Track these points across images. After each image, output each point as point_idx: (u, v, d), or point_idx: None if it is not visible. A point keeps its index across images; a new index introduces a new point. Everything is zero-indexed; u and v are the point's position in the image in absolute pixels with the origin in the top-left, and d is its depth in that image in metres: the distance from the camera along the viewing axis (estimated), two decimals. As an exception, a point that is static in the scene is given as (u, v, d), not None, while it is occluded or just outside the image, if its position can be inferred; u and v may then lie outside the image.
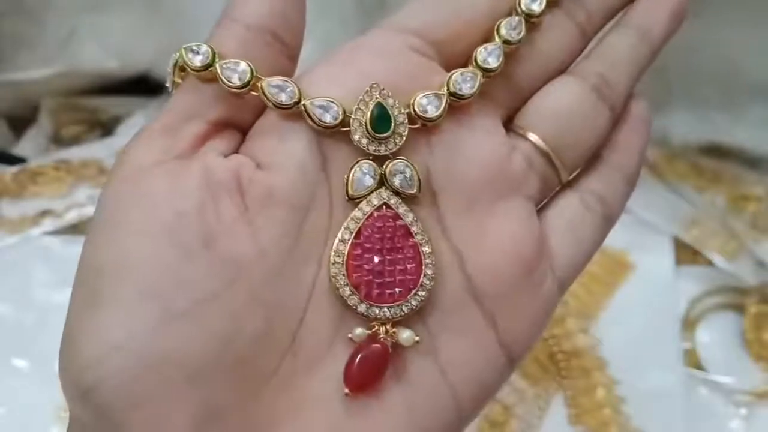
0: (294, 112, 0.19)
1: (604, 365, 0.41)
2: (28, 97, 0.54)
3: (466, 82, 0.20)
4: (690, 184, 0.48)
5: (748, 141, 0.48)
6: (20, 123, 0.54)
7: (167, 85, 0.21)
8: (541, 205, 0.23)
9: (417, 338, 0.19)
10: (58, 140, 0.53)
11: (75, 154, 0.50)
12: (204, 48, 0.19)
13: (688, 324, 0.43)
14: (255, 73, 0.19)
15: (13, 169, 0.48)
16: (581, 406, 0.40)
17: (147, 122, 0.20)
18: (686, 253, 0.45)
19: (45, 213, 0.46)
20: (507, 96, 0.22)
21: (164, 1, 0.51)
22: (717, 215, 0.47)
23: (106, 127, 0.54)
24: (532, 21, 0.22)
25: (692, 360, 0.42)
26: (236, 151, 0.20)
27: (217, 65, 0.19)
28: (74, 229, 0.46)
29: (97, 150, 0.50)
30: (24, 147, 0.52)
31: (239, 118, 0.20)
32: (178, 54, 0.19)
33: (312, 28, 0.47)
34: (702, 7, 0.44)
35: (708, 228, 0.46)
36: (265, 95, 0.19)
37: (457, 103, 0.20)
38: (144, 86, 0.53)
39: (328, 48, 0.23)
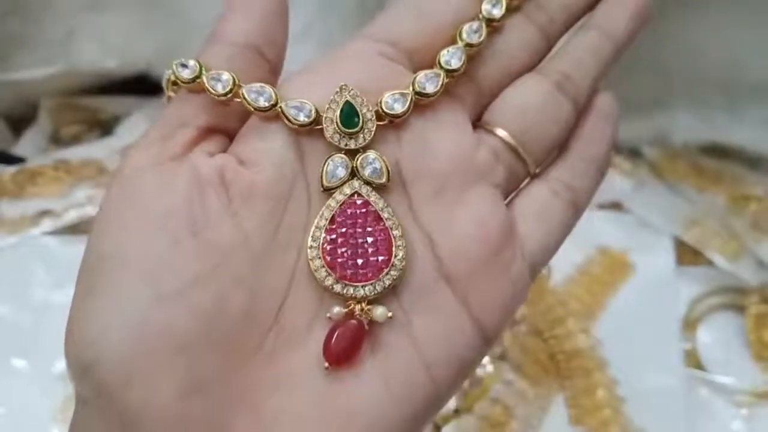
0: (272, 114, 0.21)
1: (605, 365, 0.41)
2: (28, 96, 0.53)
3: (430, 81, 0.22)
4: (690, 184, 0.48)
5: (748, 141, 0.48)
6: (19, 123, 0.54)
7: (163, 99, 0.23)
8: (513, 195, 0.24)
9: (390, 314, 0.21)
10: (58, 140, 0.53)
11: (74, 154, 0.50)
12: (192, 63, 0.21)
13: (689, 324, 0.43)
14: (237, 82, 0.21)
15: (12, 169, 0.48)
16: (582, 407, 0.40)
17: (146, 122, 0.22)
18: (687, 254, 0.45)
19: (44, 213, 0.46)
20: (473, 95, 0.24)
21: (164, 1, 0.51)
22: (717, 215, 0.47)
23: (105, 127, 0.54)
24: (493, 25, 0.24)
25: (693, 360, 0.42)
26: (223, 152, 0.22)
27: (203, 76, 0.21)
28: (73, 229, 0.45)
29: (97, 150, 0.50)
30: (23, 147, 0.52)
31: (226, 125, 0.22)
32: (170, 70, 0.22)
33: (312, 29, 0.47)
34: (703, 8, 0.45)
35: (708, 228, 0.46)
36: (245, 99, 0.21)
37: (423, 102, 0.22)
38: (143, 86, 0.53)
39: (329, 48, 0.24)
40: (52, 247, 0.44)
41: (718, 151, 0.49)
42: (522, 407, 0.40)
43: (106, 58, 0.52)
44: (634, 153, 0.50)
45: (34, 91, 0.53)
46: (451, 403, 0.40)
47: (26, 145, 0.52)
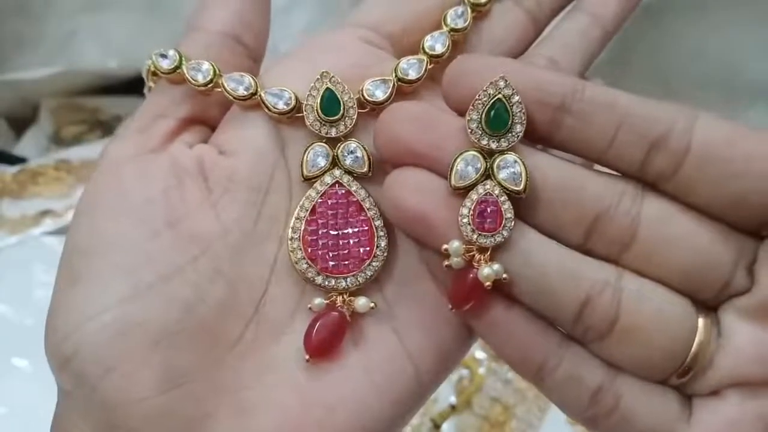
0: (252, 102, 0.21)
1: (604, 365, 0.41)
2: (29, 96, 0.54)
3: (412, 67, 0.22)
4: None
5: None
6: (20, 123, 0.54)
7: (144, 91, 0.22)
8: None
9: (372, 304, 0.20)
10: (59, 140, 0.53)
11: (75, 154, 0.50)
12: (172, 52, 0.21)
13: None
14: (217, 71, 0.21)
15: (13, 169, 0.48)
16: (581, 407, 0.40)
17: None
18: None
19: (45, 213, 0.46)
20: None
21: (164, 2, 0.51)
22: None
23: (106, 127, 0.54)
24: (479, 10, 0.23)
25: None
26: (204, 143, 0.22)
27: (183, 67, 0.21)
28: (74, 229, 0.46)
29: (98, 150, 0.49)
30: (24, 147, 0.52)
31: (208, 115, 0.22)
32: (150, 61, 0.21)
33: (313, 30, 0.47)
34: (702, 9, 0.45)
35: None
36: (225, 89, 0.21)
37: (406, 88, 0.22)
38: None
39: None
40: (54, 247, 0.44)
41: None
42: (521, 407, 0.40)
43: (107, 58, 0.52)
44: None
45: (36, 91, 0.53)
46: (449, 399, 0.40)
47: (27, 145, 0.52)
